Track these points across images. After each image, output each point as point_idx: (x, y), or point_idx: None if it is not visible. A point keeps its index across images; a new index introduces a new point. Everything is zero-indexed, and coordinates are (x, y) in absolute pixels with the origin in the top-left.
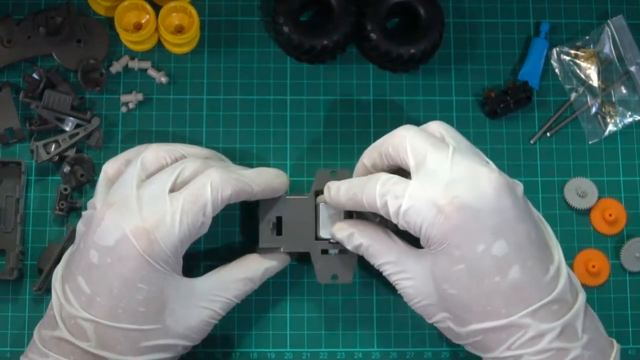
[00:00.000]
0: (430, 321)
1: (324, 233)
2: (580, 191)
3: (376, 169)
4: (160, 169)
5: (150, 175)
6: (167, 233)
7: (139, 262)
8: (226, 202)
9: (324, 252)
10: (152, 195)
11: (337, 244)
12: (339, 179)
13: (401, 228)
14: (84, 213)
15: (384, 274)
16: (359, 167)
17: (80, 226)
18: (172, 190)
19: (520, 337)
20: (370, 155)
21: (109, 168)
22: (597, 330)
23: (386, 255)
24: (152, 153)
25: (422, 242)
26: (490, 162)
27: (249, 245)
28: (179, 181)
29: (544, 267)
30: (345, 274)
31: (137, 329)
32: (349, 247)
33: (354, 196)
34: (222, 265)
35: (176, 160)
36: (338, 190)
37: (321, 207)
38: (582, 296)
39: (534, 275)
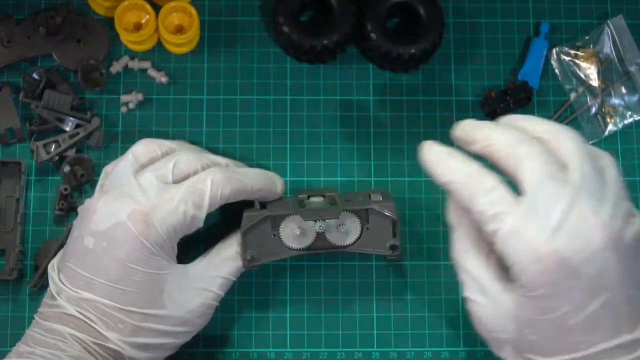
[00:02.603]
0: (496, 353)
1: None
2: None
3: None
4: (152, 161)
5: (142, 166)
6: (163, 217)
7: (135, 245)
8: (225, 201)
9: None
10: (149, 182)
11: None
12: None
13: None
14: (79, 208)
15: (458, 275)
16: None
17: (75, 222)
18: (170, 180)
19: None
20: (476, 143)
21: (109, 169)
22: None
23: (469, 264)
24: (142, 146)
25: (509, 274)
26: (620, 203)
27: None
28: (175, 172)
29: (630, 328)
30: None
31: (138, 312)
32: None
33: (450, 184)
34: (210, 249)
35: (166, 154)
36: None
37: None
38: None
39: (619, 338)
